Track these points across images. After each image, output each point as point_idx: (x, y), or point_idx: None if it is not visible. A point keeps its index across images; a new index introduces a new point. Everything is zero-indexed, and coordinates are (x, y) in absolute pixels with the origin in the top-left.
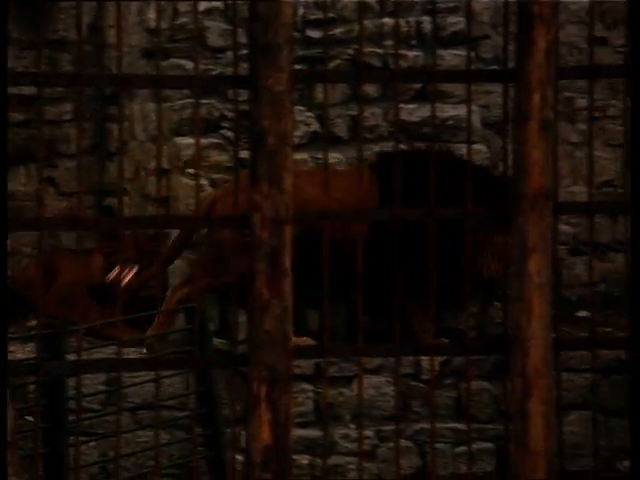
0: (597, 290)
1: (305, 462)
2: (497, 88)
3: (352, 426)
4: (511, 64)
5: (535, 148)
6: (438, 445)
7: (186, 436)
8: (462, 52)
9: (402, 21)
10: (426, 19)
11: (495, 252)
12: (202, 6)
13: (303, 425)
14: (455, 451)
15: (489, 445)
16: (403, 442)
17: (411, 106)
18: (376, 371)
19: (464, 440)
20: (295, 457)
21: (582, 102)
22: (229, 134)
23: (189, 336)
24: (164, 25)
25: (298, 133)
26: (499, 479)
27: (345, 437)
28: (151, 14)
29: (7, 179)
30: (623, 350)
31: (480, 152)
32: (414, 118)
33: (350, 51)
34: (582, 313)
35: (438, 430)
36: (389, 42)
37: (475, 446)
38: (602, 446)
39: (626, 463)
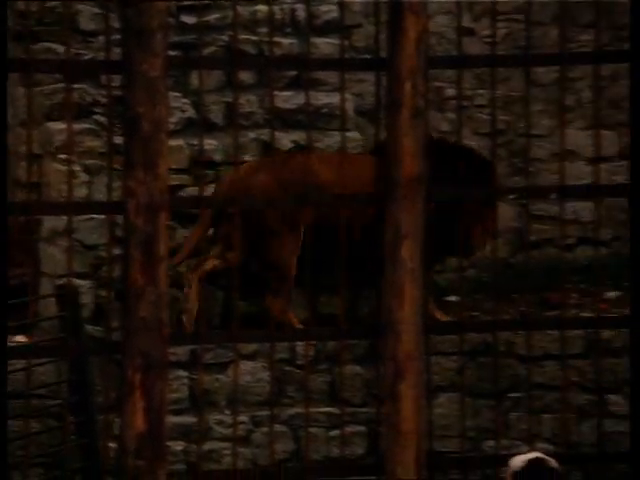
0: (466, 275)
1: (179, 448)
2: (370, 76)
3: (227, 412)
4: (383, 53)
5: (407, 136)
6: (312, 429)
7: (58, 424)
8: (335, 41)
9: (276, 8)
10: (300, 7)
11: (486, 226)
12: None
13: (178, 412)
14: (329, 435)
15: (362, 428)
16: (277, 427)
17: (286, 93)
18: (251, 357)
19: (337, 424)
20: (169, 443)
21: (451, 91)
22: (102, 119)
23: (62, 323)
24: (33, 8)
25: (173, 119)
26: (371, 461)
27: (220, 423)
28: None
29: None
30: (489, 333)
31: (354, 140)
32: (289, 105)
33: (225, 38)
34: (451, 298)
35: (312, 414)
36: (264, 29)
37: (348, 429)
38: (469, 427)
39: (491, 443)
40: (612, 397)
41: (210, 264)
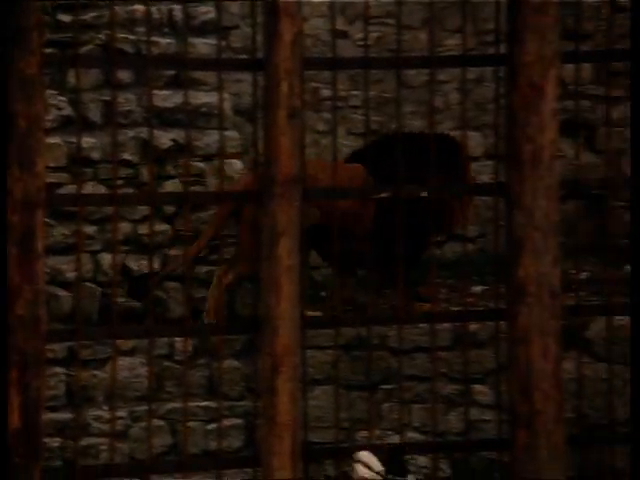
0: None
1: (56, 445)
2: (248, 77)
3: (105, 407)
4: (260, 54)
5: (283, 135)
6: (190, 423)
7: None
8: (213, 41)
9: (154, 8)
10: (177, 7)
11: (463, 205)
12: None
13: (55, 408)
14: (206, 428)
15: (239, 421)
16: (155, 421)
17: (165, 92)
18: (130, 353)
19: (215, 417)
20: (46, 440)
21: (326, 92)
22: None
23: None
24: None
25: (50, 117)
26: (248, 453)
27: (98, 418)
28: None
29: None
30: (363, 327)
31: (232, 139)
32: (168, 104)
33: (102, 36)
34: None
35: (190, 408)
36: (141, 29)
37: (226, 422)
38: (343, 418)
39: (364, 433)
40: (478, 387)
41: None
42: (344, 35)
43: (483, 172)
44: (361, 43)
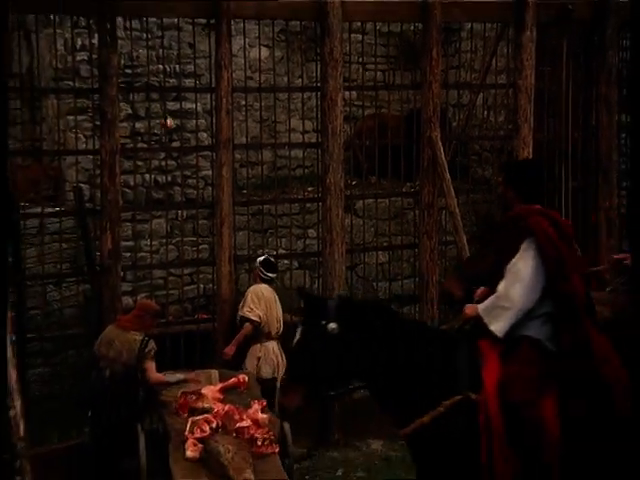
0: None
1: None
2: (206, 96)
3: None
4: (213, 85)
5: (223, 121)
6: None
7: None
8: (191, 79)
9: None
10: (170, 66)
11: None
12: None
13: None
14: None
15: None
16: None
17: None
18: None
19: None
20: None
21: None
22: None
23: None
24: None
25: None
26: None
27: None
28: None
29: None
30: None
31: (201, 125)
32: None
33: None
34: None
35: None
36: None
37: None
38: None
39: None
40: None
41: None
42: (251, 78)
43: None
44: (258, 83)
